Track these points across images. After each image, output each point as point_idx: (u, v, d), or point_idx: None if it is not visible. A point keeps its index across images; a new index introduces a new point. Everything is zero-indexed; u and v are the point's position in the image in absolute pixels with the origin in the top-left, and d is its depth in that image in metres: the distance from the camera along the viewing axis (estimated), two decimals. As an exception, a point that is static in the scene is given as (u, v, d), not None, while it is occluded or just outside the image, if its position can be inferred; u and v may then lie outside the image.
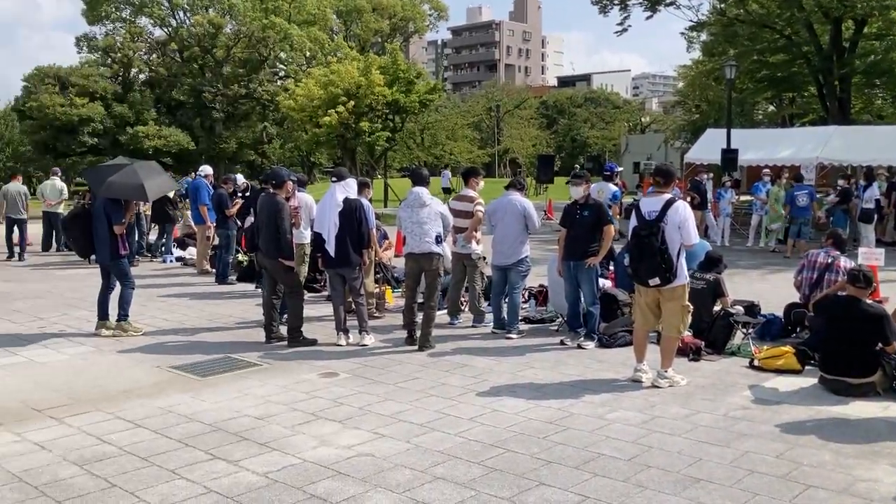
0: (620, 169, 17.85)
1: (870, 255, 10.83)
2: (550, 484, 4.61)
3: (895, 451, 5.08)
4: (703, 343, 7.79)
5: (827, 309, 6.78)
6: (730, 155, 21.03)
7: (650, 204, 6.69)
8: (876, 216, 16.77)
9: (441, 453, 5.12)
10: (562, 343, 8.33)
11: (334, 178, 8.48)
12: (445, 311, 9.68)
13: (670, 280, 6.51)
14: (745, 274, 13.85)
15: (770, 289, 12.20)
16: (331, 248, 8.15)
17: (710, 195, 19.47)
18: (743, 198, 23.39)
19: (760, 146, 22.77)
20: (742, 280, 12.99)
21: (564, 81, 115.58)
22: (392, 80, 25.39)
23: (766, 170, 19.20)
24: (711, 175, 21.05)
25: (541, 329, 9.21)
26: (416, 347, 8.15)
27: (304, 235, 9.60)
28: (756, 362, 7.30)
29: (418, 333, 8.36)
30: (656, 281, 6.56)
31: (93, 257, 9.25)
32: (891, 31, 30.22)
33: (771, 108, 40.75)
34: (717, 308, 8.39)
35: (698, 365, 7.46)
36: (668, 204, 6.55)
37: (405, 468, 4.86)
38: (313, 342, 8.31)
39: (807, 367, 7.12)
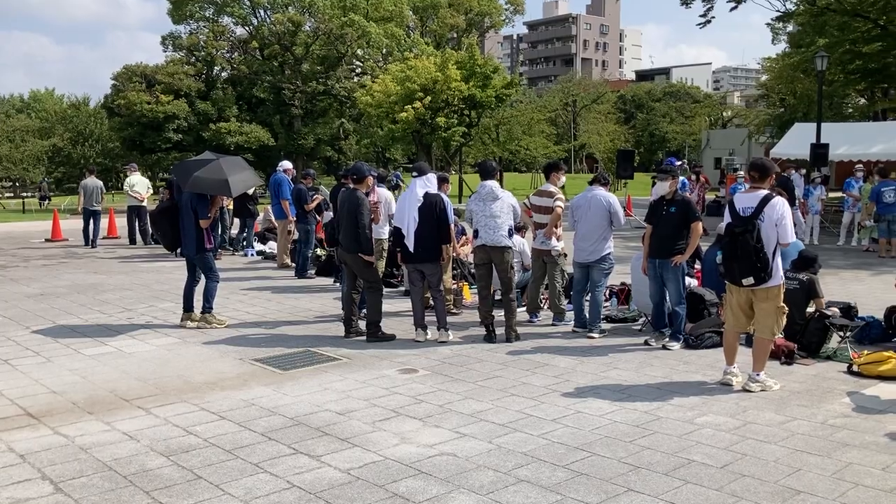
0: (679, 162, 17.26)
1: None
2: (640, 490, 4.44)
3: None
4: (795, 346, 7.43)
5: None
6: (820, 150, 20.19)
7: (745, 200, 6.40)
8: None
9: (524, 455, 5.00)
10: (646, 343, 8.09)
11: (415, 174, 8.43)
12: (524, 308, 9.54)
13: (765, 280, 6.22)
14: (837, 274, 13.24)
15: (866, 290, 11.62)
16: (410, 243, 8.11)
17: (798, 192, 18.68)
18: (832, 195, 22.44)
19: (852, 141, 21.81)
20: (835, 281, 12.41)
21: (642, 75, 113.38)
22: (468, 74, 25.27)
23: (860, 165, 18.33)
24: (804, 171, 20.22)
25: (623, 329, 8.97)
26: (494, 345, 8.06)
27: (382, 231, 9.60)
28: (855, 367, 6.92)
29: (497, 330, 8.26)
30: (751, 281, 6.28)
31: (179, 250, 9.46)
32: None
33: (862, 101, 38.94)
34: (810, 310, 8.00)
35: (791, 369, 7.12)
36: (766, 200, 6.25)
37: (488, 469, 4.76)
38: (392, 338, 8.29)
39: (913, 374, 6.71)
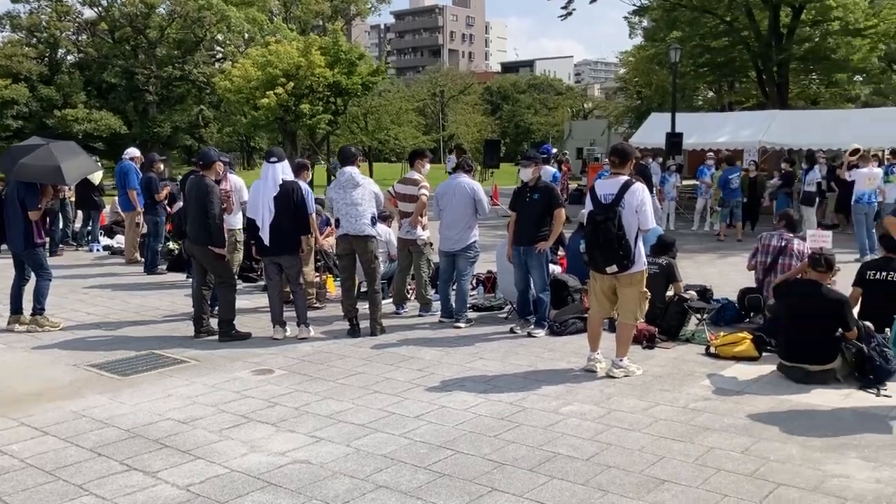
0: (555, 150, 17.53)
1: (818, 237, 10.71)
2: (504, 490, 4.21)
3: (863, 443, 4.83)
4: (656, 330, 7.50)
5: (786, 294, 6.53)
6: (675, 139, 21.01)
7: (606, 186, 6.34)
8: (817, 199, 16.86)
9: (384, 457, 4.68)
10: (512, 331, 7.96)
11: (273, 159, 7.87)
12: (390, 300, 9.23)
13: (628, 267, 6.18)
14: (692, 258, 13.71)
15: (718, 273, 12.07)
16: (265, 234, 7.59)
17: (655, 179, 19.34)
18: (686, 182, 23.45)
19: (703, 130, 22.81)
20: (690, 264, 12.82)
21: (508, 67, 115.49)
22: (333, 61, 24.63)
23: (710, 153, 19.18)
24: (660, 160, 20.95)
25: (490, 317, 8.83)
26: (358, 339, 7.70)
27: (235, 221, 8.99)
28: (712, 349, 7.04)
29: (362, 323, 7.91)
30: (614, 268, 6.22)
31: (4, 246, 8.51)
32: (826, 18, 30.72)
33: (711, 94, 41.12)
34: (669, 293, 8.13)
35: (653, 353, 7.17)
36: (626, 186, 6.21)
37: (344, 476, 4.41)
38: (247, 336, 7.76)
39: (764, 354, 6.89)
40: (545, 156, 12.72)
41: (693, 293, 8.29)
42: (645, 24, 36.62)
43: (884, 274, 7.27)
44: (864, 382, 5.98)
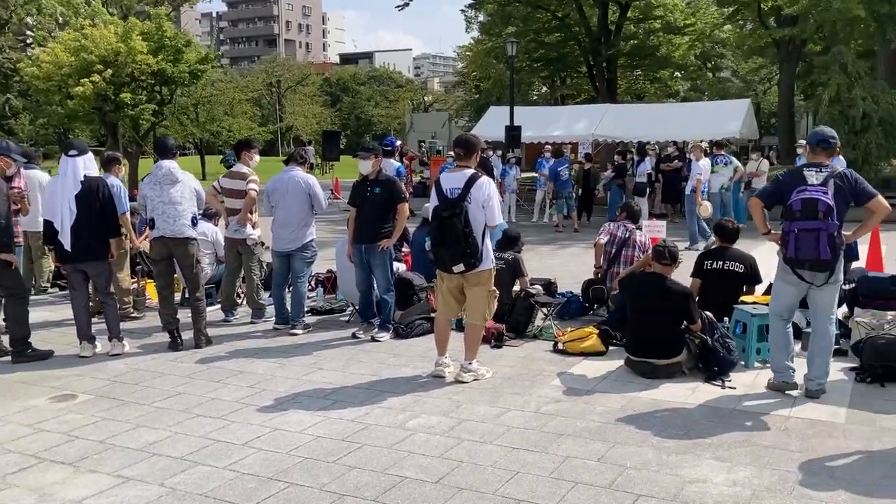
0: (400, 142, 17.09)
1: (653, 227, 10.96)
2: (345, 527, 3.70)
3: (716, 443, 4.71)
4: (504, 328, 7.23)
5: (631, 287, 6.41)
6: (513, 132, 21.21)
7: (451, 180, 5.94)
8: (648, 189, 17.50)
9: (204, 498, 4.03)
10: (354, 336, 7.43)
11: (72, 152, 6.84)
12: (219, 306, 8.44)
13: (476, 265, 5.82)
14: (535, 250, 13.74)
15: (560, 264, 12.11)
16: (65, 238, 6.61)
17: (496, 172, 19.42)
18: (525, 174, 23.82)
19: (540, 124, 23.20)
20: (534, 256, 12.82)
21: (347, 59, 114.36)
22: (157, 47, 22.90)
23: (548, 146, 19.48)
24: (499, 152, 21.07)
25: (331, 321, 8.24)
26: (181, 353, 6.90)
27: (37, 222, 7.88)
28: (560, 345, 6.85)
29: (186, 334, 7.11)
30: (461, 267, 5.84)
31: None
32: (649, 16, 32.36)
33: (545, 88, 42.34)
34: (516, 288, 7.91)
35: (502, 352, 6.88)
36: (472, 180, 5.84)
37: (155, 526, 3.73)
38: (48, 355, 6.76)
39: (611, 348, 6.78)
40: (389, 148, 12.22)
41: (539, 288, 8.11)
42: (481, 18, 37.09)
43: (720, 264, 7.36)
44: (709, 375, 5.96)
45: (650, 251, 6.47)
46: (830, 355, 5.55)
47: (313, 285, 9.18)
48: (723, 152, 15.18)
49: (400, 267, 8.41)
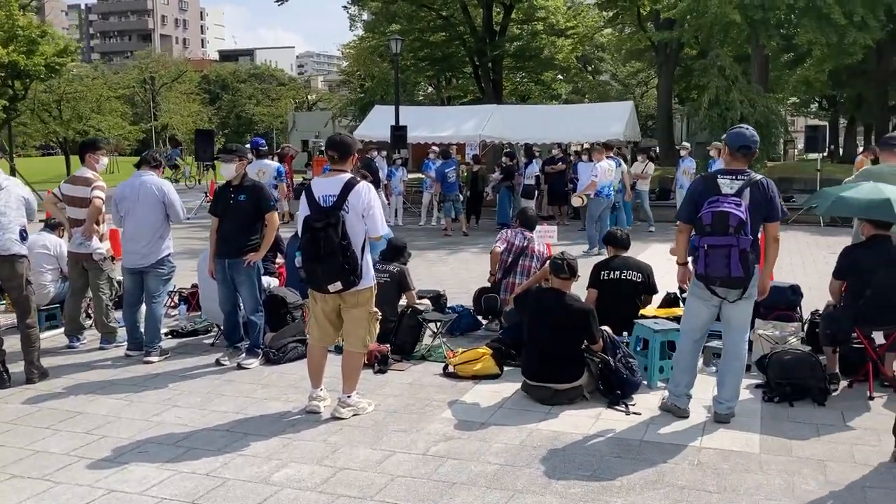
0: (285, 145, 16.00)
1: (544, 233, 10.53)
2: None
3: (626, 484, 4.18)
4: (388, 349, 6.53)
5: (528, 305, 5.84)
6: (399, 132, 20.50)
7: (325, 186, 5.19)
8: (536, 192, 17.24)
9: None
10: (218, 363, 6.55)
11: None
12: (62, 329, 7.35)
13: (354, 283, 5.10)
14: (423, 256, 13.12)
15: (450, 271, 11.54)
16: None
17: (382, 174, 18.71)
18: (412, 175, 23.22)
19: (427, 124, 22.62)
20: (421, 263, 12.20)
21: (226, 56, 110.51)
22: (7, 38, 20.88)
23: (434, 147, 18.93)
24: (384, 153, 20.36)
25: (194, 345, 7.30)
26: (6, 391, 5.83)
27: None
28: (451, 368, 6.21)
29: (13, 368, 6.04)
30: (337, 286, 5.10)
31: None
32: (533, 17, 32.45)
33: (430, 88, 41.91)
34: (402, 303, 7.24)
35: (386, 378, 6.18)
36: (349, 186, 5.12)
37: None
38: None
39: (506, 368, 6.20)
40: (264, 149, 11.21)
41: (427, 303, 7.49)
42: (365, 16, 36.26)
43: (617, 273, 6.94)
44: (612, 399, 5.46)
45: (547, 264, 5.92)
46: (742, 377, 5.15)
47: (176, 302, 8.22)
48: (611, 154, 15.04)
49: (272, 282, 7.57)
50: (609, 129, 19.85)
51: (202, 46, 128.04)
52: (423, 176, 18.86)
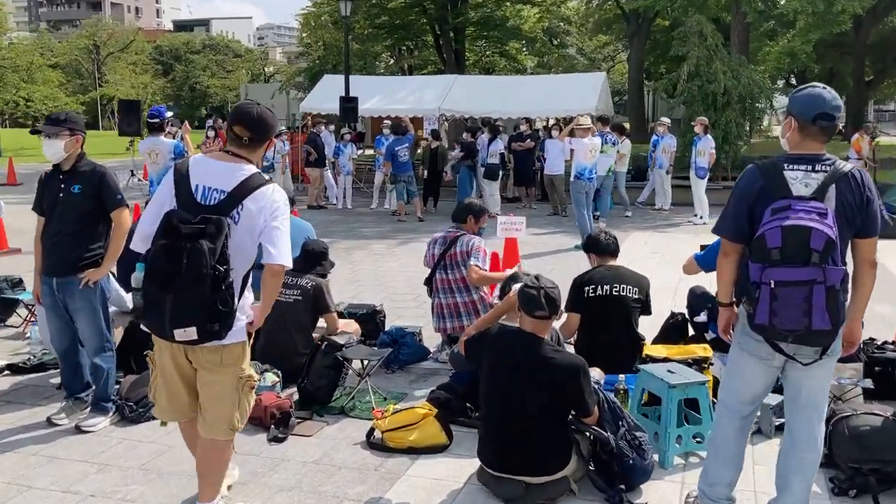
0: (171, 114, 13.50)
1: (509, 224, 8.73)
2: None
3: None
4: (291, 404, 4.65)
5: (485, 355, 3.92)
6: (349, 104, 18.44)
7: (211, 172, 3.30)
8: (501, 172, 15.37)
9: None
10: (49, 423, 4.61)
11: None
12: None
13: (219, 335, 3.20)
14: (368, 247, 11.21)
15: (398, 267, 9.66)
16: None
17: (329, 151, 16.70)
18: (369, 152, 21.24)
19: (382, 95, 20.60)
20: (364, 257, 10.32)
21: (181, 26, 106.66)
22: None
23: (387, 121, 16.94)
24: (332, 128, 18.29)
25: (34, 386, 5.33)
26: None
27: None
28: (378, 435, 4.35)
29: None
30: (190, 334, 3.18)
31: None
32: (497, -16, 30.43)
33: (392, 60, 39.70)
34: (321, 325, 5.40)
35: (283, 451, 4.30)
36: (250, 185, 3.26)
37: None
38: None
39: (457, 431, 4.37)
40: (157, 121, 9.02)
41: (355, 328, 5.62)
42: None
43: (607, 288, 5.13)
44: (612, 496, 3.65)
45: (513, 294, 4.02)
46: (814, 475, 3.36)
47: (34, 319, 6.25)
48: (608, 130, 13.27)
49: (129, 304, 5.57)
50: (581, 102, 18.04)
51: (157, 17, 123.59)
52: (375, 153, 16.90)
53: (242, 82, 63.93)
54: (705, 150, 13.89)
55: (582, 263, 9.83)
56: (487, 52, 36.80)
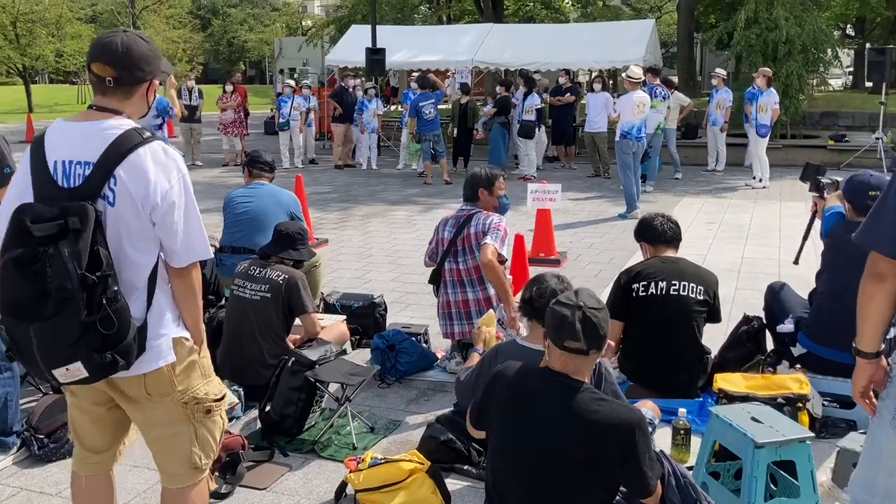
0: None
1: (541, 194, 7.53)
2: None
3: None
4: (242, 441, 3.55)
5: (497, 406, 2.72)
6: (375, 56, 17.15)
7: (71, 142, 2.27)
8: (537, 129, 14.02)
9: None
10: (-60, 461, 3.61)
11: None
12: None
13: (119, 365, 2.20)
14: (386, 214, 10.09)
15: (414, 241, 8.51)
16: None
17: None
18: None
19: (412, 46, 19.22)
20: (380, 226, 9.21)
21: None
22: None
23: (414, 74, 15.66)
24: (359, 82, 17.02)
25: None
26: None
27: None
28: (350, 492, 3.25)
29: None
30: (77, 371, 2.14)
31: None
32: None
33: (430, 9, 38.09)
34: (293, 338, 4.30)
35: (228, 507, 3.24)
36: (122, 146, 2.23)
37: None
38: None
39: (459, 485, 3.26)
40: None
41: (340, 331, 4.51)
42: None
43: (662, 287, 3.94)
44: None
45: (516, 317, 2.81)
46: None
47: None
48: (658, 83, 11.85)
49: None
50: (626, 51, 16.52)
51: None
52: (401, 109, 15.67)
53: (277, 36, 62.78)
54: (768, 106, 12.39)
55: (628, 238, 8.56)
56: (528, 2, 35.02)
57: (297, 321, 4.33)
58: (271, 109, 21.76)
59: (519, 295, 3.45)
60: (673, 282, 3.95)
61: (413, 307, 5.99)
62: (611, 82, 15.89)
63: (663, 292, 3.94)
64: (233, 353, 4.18)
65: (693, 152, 15.10)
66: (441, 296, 4.52)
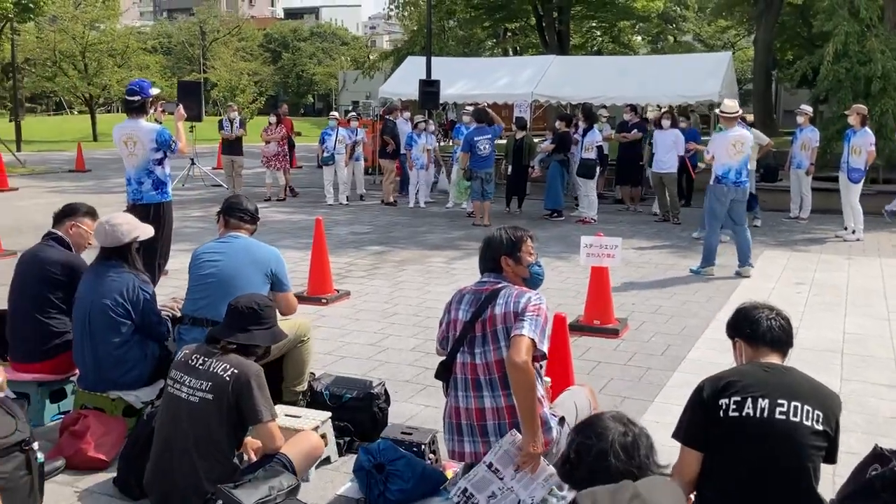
0: (158, 91, 11.42)
1: (596, 249, 6.31)
2: None
3: None
4: None
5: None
6: (429, 88, 16.22)
7: None
8: (598, 169, 12.77)
9: None
10: None
11: None
12: None
13: None
14: (424, 260, 8.96)
15: (447, 297, 7.30)
16: None
17: (402, 140, 14.54)
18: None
19: (469, 79, 18.25)
20: (414, 275, 8.07)
21: (291, 14, 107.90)
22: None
23: (468, 107, 14.63)
24: (408, 115, 16.07)
25: None
26: None
27: None
28: None
29: None
30: None
31: None
32: (609, -41, 27.48)
33: (494, 42, 37.37)
34: (254, 449, 3.19)
35: None
36: None
37: None
38: None
39: None
40: (138, 99, 6.86)
41: (308, 447, 3.36)
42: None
43: (764, 406, 2.70)
44: None
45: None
46: None
47: None
48: (744, 119, 10.49)
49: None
50: (700, 86, 15.21)
51: (271, 5, 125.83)
52: (452, 143, 14.64)
53: (343, 69, 63.05)
54: (862, 147, 10.90)
55: (702, 301, 7.17)
56: (597, 34, 33.87)
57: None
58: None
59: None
60: (780, 401, 2.68)
61: (430, 390, 4.82)
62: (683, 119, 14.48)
63: (765, 414, 2.68)
64: (162, 472, 3.09)
65: (772, 196, 13.61)
66: (449, 399, 3.35)
